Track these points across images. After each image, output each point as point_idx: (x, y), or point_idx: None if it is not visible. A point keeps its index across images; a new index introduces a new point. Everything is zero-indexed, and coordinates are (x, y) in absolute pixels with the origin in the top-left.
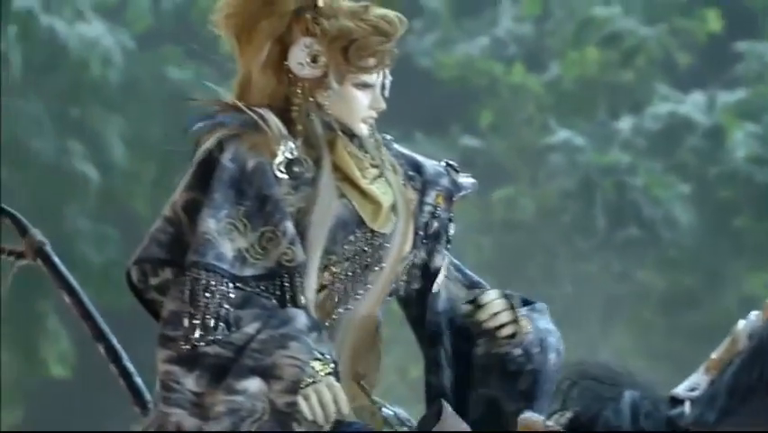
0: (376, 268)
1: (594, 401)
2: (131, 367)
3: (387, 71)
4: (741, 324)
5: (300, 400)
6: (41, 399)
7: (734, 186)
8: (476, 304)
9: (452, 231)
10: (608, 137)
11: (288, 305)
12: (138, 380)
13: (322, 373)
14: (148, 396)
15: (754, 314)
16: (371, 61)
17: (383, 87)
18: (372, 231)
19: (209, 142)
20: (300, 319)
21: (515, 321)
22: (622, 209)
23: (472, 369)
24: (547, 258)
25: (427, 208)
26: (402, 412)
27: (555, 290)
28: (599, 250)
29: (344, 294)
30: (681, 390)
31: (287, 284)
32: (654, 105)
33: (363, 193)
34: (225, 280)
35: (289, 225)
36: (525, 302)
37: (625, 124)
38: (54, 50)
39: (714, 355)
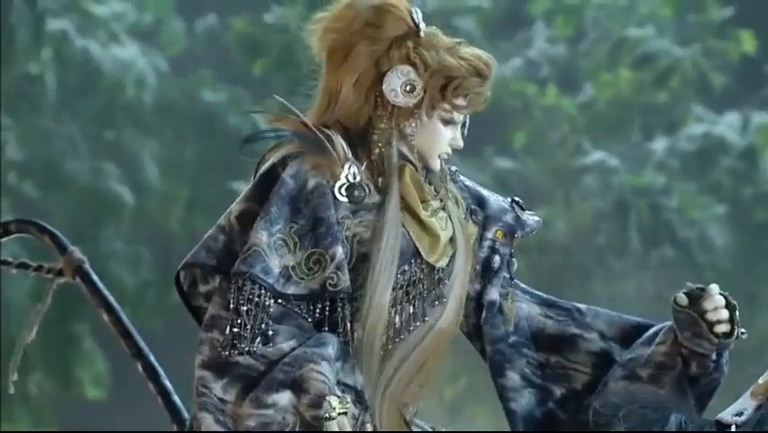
0: (436, 303)
1: (640, 425)
2: (169, 386)
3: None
4: None
5: (322, 415)
6: (76, 420)
7: None
8: (704, 293)
9: (514, 267)
10: (642, 158)
11: (325, 330)
12: (176, 398)
13: (337, 412)
14: (185, 414)
15: None
16: (465, 101)
17: (464, 125)
18: (427, 263)
19: (274, 157)
20: (333, 344)
21: (731, 321)
22: (656, 230)
23: (639, 370)
24: (582, 279)
25: (487, 243)
26: None
27: None
28: (634, 271)
29: (395, 325)
30: (726, 414)
31: (327, 309)
32: (689, 126)
33: (422, 224)
34: (268, 293)
35: (339, 251)
36: (642, 326)
37: (659, 144)
38: (89, 72)
39: (761, 380)
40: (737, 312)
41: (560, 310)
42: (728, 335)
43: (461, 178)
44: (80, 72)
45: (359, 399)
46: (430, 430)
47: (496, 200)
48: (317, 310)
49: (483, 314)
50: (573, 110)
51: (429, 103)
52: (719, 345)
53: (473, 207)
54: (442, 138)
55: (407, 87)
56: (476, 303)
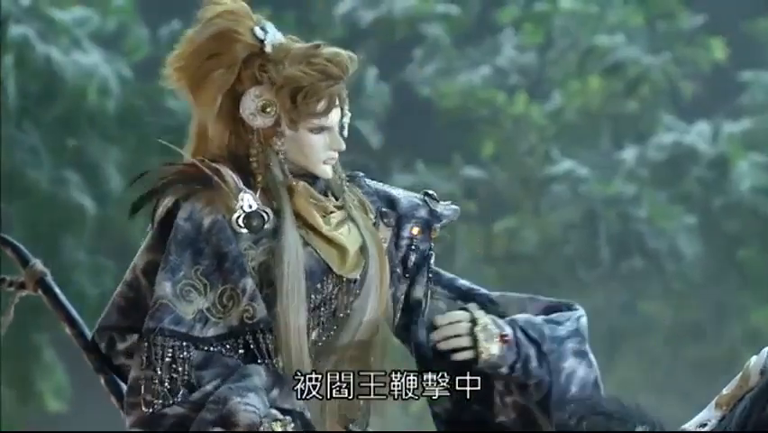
0: (341, 315)
1: None
2: None
3: (345, 110)
4: (753, 360)
5: None
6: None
7: (739, 217)
8: (432, 325)
9: (432, 260)
10: (611, 167)
11: (257, 363)
12: None
13: None
14: None
15: (766, 350)
16: (320, 106)
17: (342, 126)
18: (341, 277)
19: (166, 201)
20: (258, 374)
21: (474, 346)
22: (626, 240)
23: (497, 382)
24: (550, 289)
25: (404, 242)
26: None
27: None
28: (603, 281)
29: (314, 342)
30: (691, 425)
31: (251, 342)
32: (658, 135)
33: (328, 240)
34: (185, 343)
35: (249, 282)
36: (550, 309)
37: (628, 154)
38: (50, 78)
39: (725, 391)
40: (481, 335)
41: (471, 299)
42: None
43: (368, 181)
44: (42, 79)
45: (302, 421)
46: None
47: (407, 198)
48: (240, 346)
49: (412, 315)
50: (542, 119)
51: (287, 116)
52: (491, 366)
53: (383, 209)
54: (315, 146)
55: (261, 108)
56: (404, 305)
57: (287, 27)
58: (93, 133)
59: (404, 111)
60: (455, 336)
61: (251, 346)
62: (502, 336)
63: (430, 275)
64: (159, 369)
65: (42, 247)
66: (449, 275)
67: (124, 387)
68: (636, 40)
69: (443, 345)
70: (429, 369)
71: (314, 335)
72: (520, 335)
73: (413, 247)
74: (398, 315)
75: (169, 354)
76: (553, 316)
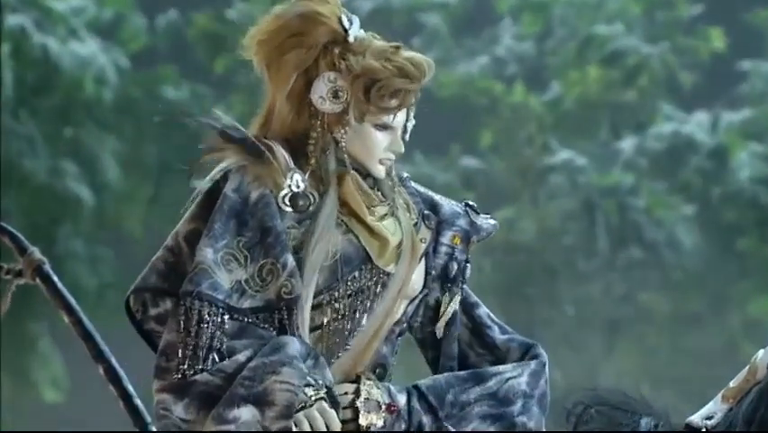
0: (375, 305)
1: (609, 427)
2: (130, 389)
3: (411, 115)
4: (760, 353)
5: (292, 426)
6: (34, 422)
7: (738, 207)
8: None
9: (468, 273)
10: (609, 157)
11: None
12: (138, 401)
13: (313, 399)
14: (147, 417)
15: None
16: (392, 102)
17: (405, 130)
18: (377, 268)
19: (214, 172)
20: (293, 346)
21: (355, 418)
22: (624, 231)
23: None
24: (548, 280)
25: (444, 249)
26: None
27: (557, 312)
28: (601, 272)
29: (343, 332)
30: (697, 417)
31: (285, 317)
32: (657, 125)
33: (370, 230)
34: (220, 310)
35: (289, 258)
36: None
37: (627, 144)
38: (47, 68)
39: (732, 384)
40: (361, 408)
41: (481, 345)
42: None
43: (413, 184)
44: (39, 69)
45: (330, 396)
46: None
47: (449, 205)
48: (276, 320)
49: (444, 327)
50: (540, 108)
51: (356, 107)
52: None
53: (426, 211)
54: (376, 143)
55: (333, 94)
56: (434, 312)
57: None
58: (90, 123)
59: None
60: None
61: (285, 322)
62: (389, 407)
63: (464, 284)
64: (192, 333)
65: (39, 237)
66: (473, 299)
67: (124, 375)
68: (635, 29)
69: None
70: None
71: (341, 324)
72: (415, 403)
73: (453, 256)
74: (427, 321)
75: (205, 320)
76: (484, 371)
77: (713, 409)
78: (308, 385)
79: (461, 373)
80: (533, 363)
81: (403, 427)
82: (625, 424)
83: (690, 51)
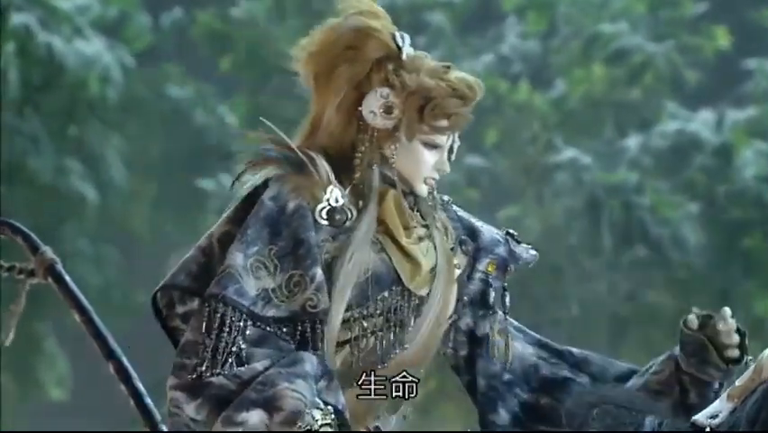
0: (410, 329)
1: (613, 426)
2: (141, 387)
3: (455, 136)
4: (766, 352)
5: None
6: (37, 420)
7: (743, 205)
8: (716, 315)
9: (507, 300)
10: (614, 155)
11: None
12: (148, 400)
13: (320, 423)
14: (158, 416)
15: None
16: (446, 123)
17: (451, 150)
18: (408, 291)
19: (256, 178)
20: (310, 362)
21: (741, 347)
22: (629, 229)
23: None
24: (553, 278)
25: (478, 276)
26: None
27: (561, 310)
28: (606, 270)
29: (375, 351)
30: (702, 416)
31: (308, 330)
32: (662, 123)
33: (404, 251)
34: (244, 315)
35: (318, 272)
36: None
37: (632, 142)
38: (52, 67)
39: (737, 383)
40: (747, 338)
41: (552, 352)
42: (737, 360)
43: (454, 207)
44: (43, 67)
45: (340, 419)
46: None
47: (488, 232)
48: (298, 333)
49: (478, 348)
50: (545, 107)
51: (407, 124)
52: (726, 371)
53: (463, 237)
54: (424, 161)
55: (385, 109)
56: (468, 337)
57: (289, 14)
58: (95, 121)
59: None
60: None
61: (308, 336)
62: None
63: (507, 315)
64: (212, 336)
65: (44, 236)
66: (520, 325)
67: (134, 374)
68: (640, 27)
69: (727, 339)
70: (498, 399)
71: (370, 342)
72: None
73: (488, 283)
74: (459, 346)
75: (227, 324)
76: None
77: (718, 407)
78: (317, 408)
79: None
80: None
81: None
82: (629, 423)
83: (694, 50)
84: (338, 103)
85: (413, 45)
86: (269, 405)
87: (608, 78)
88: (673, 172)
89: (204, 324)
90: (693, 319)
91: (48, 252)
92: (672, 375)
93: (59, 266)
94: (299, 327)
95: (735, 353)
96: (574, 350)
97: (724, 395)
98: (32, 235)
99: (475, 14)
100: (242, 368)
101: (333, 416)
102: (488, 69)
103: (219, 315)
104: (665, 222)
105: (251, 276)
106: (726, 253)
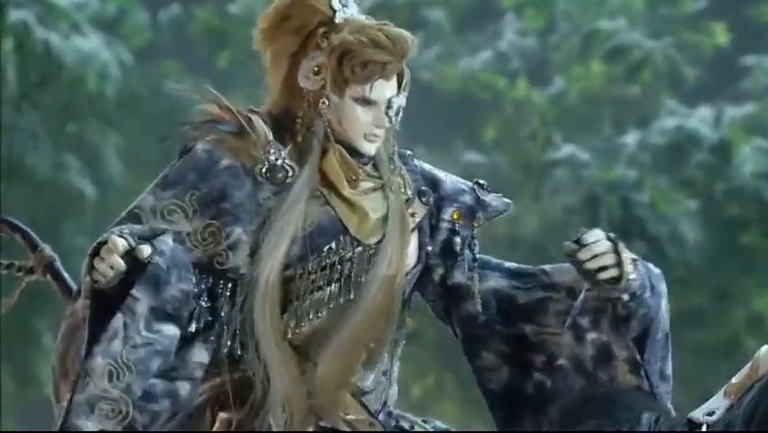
0: (361, 279)
1: (610, 423)
2: None
3: (402, 95)
4: (763, 350)
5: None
6: (36, 417)
7: (741, 202)
8: (579, 243)
9: (476, 247)
10: (613, 152)
11: (224, 310)
12: None
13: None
14: None
15: None
16: (363, 72)
17: (389, 105)
18: (357, 240)
19: (191, 140)
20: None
21: (618, 264)
22: (627, 226)
23: (579, 318)
24: None
25: (444, 225)
26: (440, 425)
27: None
28: None
29: (325, 303)
30: (698, 413)
31: (218, 287)
32: (660, 120)
33: (349, 202)
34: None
35: (237, 232)
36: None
37: (630, 138)
38: (50, 63)
39: (734, 380)
40: (624, 254)
41: (527, 278)
42: (617, 279)
43: (416, 161)
44: (41, 64)
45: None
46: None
47: (452, 182)
48: (204, 284)
49: (453, 298)
50: (544, 103)
51: (332, 79)
52: (616, 289)
53: (423, 188)
54: (357, 118)
55: (314, 70)
56: (441, 287)
57: None
58: (93, 118)
59: None
60: (602, 255)
61: (218, 292)
62: (634, 261)
63: (476, 262)
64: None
65: (42, 233)
66: (496, 260)
67: None
68: (638, 24)
69: (593, 264)
70: (479, 343)
71: (326, 294)
72: (640, 266)
73: (455, 231)
74: (437, 298)
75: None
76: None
77: (715, 404)
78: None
79: None
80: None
81: (638, 283)
82: (625, 420)
83: (693, 46)
84: (280, 73)
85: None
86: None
87: (607, 75)
88: (672, 169)
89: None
90: (569, 245)
91: (46, 249)
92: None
93: (58, 263)
94: (205, 279)
95: (609, 274)
96: (548, 267)
97: (720, 392)
98: (31, 233)
99: (473, 11)
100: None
101: (132, 235)
102: (486, 66)
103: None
104: (664, 219)
105: (159, 219)
106: (724, 250)
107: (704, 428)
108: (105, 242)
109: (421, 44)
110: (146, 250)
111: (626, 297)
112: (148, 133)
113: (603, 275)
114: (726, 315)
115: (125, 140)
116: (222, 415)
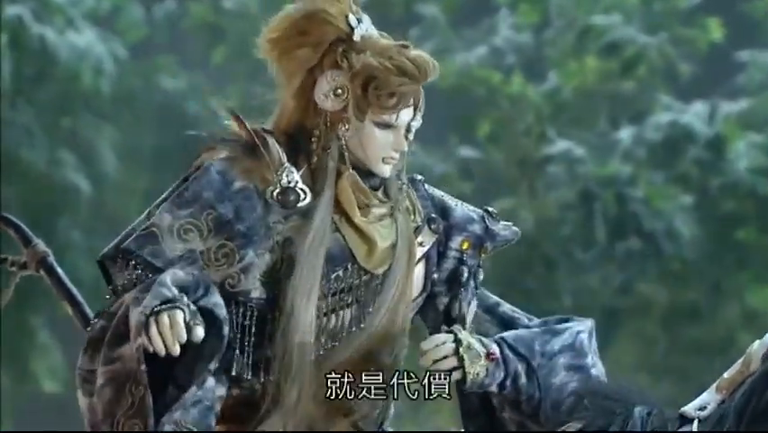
0: (370, 309)
1: (603, 416)
2: None
3: (418, 115)
4: (755, 345)
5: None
6: (32, 413)
7: (736, 197)
8: (420, 351)
9: (480, 278)
10: (608, 148)
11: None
12: None
13: (165, 307)
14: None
15: None
16: (390, 101)
17: (409, 129)
18: (364, 269)
19: (202, 159)
20: (170, 274)
21: (461, 366)
22: (622, 221)
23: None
24: (546, 270)
25: (452, 254)
26: None
27: (555, 303)
28: (599, 262)
29: (330, 330)
30: (690, 408)
31: (230, 307)
32: (655, 115)
33: (359, 230)
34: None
35: (250, 255)
36: (546, 323)
37: (625, 134)
38: (45, 59)
39: (726, 375)
40: (465, 356)
41: (458, 325)
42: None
43: (427, 187)
44: (36, 59)
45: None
46: None
47: (462, 210)
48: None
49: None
50: (539, 99)
51: (356, 105)
52: (479, 385)
53: (433, 215)
54: (378, 142)
55: (335, 92)
56: (444, 316)
57: (282, 5)
58: (88, 113)
59: None
60: (443, 359)
61: (230, 314)
62: (488, 355)
63: (477, 290)
64: (117, 290)
65: (37, 228)
66: (494, 299)
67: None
68: (633, 19)
69: (433, 367)
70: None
71: (331, 322)
72: (508, 352)
73: (462, 261)
74: (438, 325)
75: (137, 284)
76: (553, 326)
77: (707, 399)
78: (168, 301)
79: (534, 328)
80: (587, 321)
81: (502, 375)
82: (618, 413)
83: (688, 42)
84: (294, 88)
85: (406, 37)
86: (134, 334)
87: (602, 71)
88: (667, 164)
89: (115, 278)
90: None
91: (40, 244)
92: None
93: (51, 258)
94: (235, 313)
95: (455, 376)
96: (535, 323)
97: (712, 387)
98: (25, 228)
99: (468, 6)
100: (114, 304)
101: (187, 305)
102: (481, 61)
103: (133, 275)
104: (659, 214)
105: (175, 238)
106: (719, 246)
107: (695, 423)
108: (161, 308)
109: (416, 40)
110: (200, 333)
111: (494, 389)
112: (143, 128)
113: (451, 376)
114: (720, 310)
115: (120, 135)
116: (217, 427)
